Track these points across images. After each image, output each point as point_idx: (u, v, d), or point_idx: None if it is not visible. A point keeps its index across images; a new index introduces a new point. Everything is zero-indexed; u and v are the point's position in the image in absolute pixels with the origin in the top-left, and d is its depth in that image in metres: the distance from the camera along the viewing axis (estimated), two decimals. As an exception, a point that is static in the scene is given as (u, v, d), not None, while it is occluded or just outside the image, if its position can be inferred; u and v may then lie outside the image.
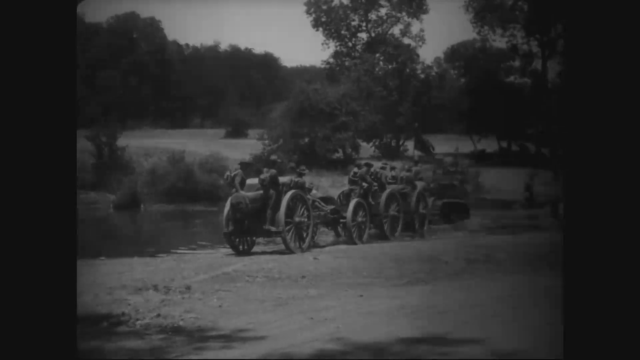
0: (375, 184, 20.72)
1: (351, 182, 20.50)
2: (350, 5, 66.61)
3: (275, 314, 9.67)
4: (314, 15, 67.20)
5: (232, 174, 17.36)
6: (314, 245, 18.05)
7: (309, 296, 10.95)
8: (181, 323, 9.18)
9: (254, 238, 17.85)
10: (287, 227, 16.59)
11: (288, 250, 16.51)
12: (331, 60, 68.35)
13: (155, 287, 11.54)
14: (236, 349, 7.87)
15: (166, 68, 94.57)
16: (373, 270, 13.38)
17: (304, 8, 67.21)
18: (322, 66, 70.68)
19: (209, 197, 33.76)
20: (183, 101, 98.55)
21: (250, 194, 16.85)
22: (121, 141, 40.06)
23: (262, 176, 16.98)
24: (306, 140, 48.38)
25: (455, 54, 64.91)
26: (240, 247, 17.32)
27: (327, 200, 19.88)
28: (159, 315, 9.61)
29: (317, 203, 18.70)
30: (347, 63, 64.94)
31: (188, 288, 11.48)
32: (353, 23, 67.82)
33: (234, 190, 17.05)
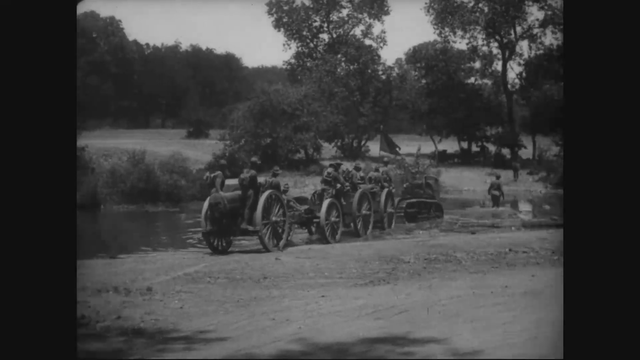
0: (347, 184, 21.22)
1: (325, 182, 20.87)
2: (311, 6, 66.66)
3: (236, 315, 9.64)
4: (275, 16, 67.16)
5: (212, 175, 17.66)
6: (290, 244, 18.34)
7: (270, 297, 10.93)
8: (142, 325, 9.11)
9: (231, 237, 18.07)
10: (264, 226, 17.02)
11: (265, 249, 16.86)
12: (293, 60, 68.41)
13: (116, 289, 11.43)
14: (198, 351, 7.83)
15: (126, 68, 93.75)
16: (335, 270, 13.40)
17: (266, 8, 67.19)
18: (284, 67, 70.74)
19: (170, 197, 33.53)
20: (144, 101, 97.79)
21: (228, 194, 17.24)
22: (81, 141, 39.60)
23: (241, 176, 17.42)
24: (268, 140, 48.37)
25: (416, 55, 65.34)
26: (218, 246, 17.55)
27: (301, 200, 20.67)
28: (119, 317, 9.52)
29: (291, 203, 19.38)
30: (308, 64, 65.05)
31: (149, 289, 11.39)
32: (315, 24, 67.92)
33: (213, 190, 17.32)
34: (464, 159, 59.22)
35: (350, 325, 8.73)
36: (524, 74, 61.57)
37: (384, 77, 62.52)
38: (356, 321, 8.99)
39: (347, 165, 23.33)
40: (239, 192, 17.31)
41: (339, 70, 60.92)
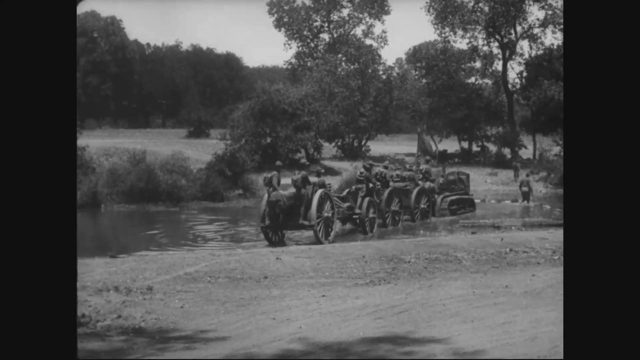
0: (378, 183, 23.76)
1: (358, 181, 23.35)
2: (312, 6, 66.71)
3: (237, 314, 9.65)
4: (276, 16, 67.25)
5: (270, 175, 19.98)
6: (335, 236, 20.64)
7: (271, 296, 10.94)
8: (142, 324, 9.12)
9: (285, 231, 20.53)
10: (318, 222, 19.46)
11: (317, 241, 19.18)
12: (293, 60, 68.49)
13: (116, 288, 11.43)
14: (198, 350, 7.84)
15: (127, 67, 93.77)
16: (335, 270, 13.40)
17: (266, 8, 67.26)
18: (284, 66, 70.80)
19: (170, 197, 33.46)
20: (144, 101, 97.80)
21: (287, 192, 19.86)
22: (81, 141, 39.53)
23: (294, 177, 20.09)
24: (268, 140, 48.38)
25: (416, 54, 65.32)
26: (274, 239, 19.96)
27: (341, 198, 22.54)
28: (119, 316, 9.53)
29: (335, 201, 21.26)
30: (309, 63, 65.07)
31: (149, 289, 11.40)
32: (315, 24, 68.00)
33: (270, 189, 19.68)
34: (465, 159, 59.17)
35: (350, 325, 8.74)
36: (524, 74, 61.51)
37: (384, 76, 62.41)
38: (357, 321, 8.99)
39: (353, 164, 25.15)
40: (294, 190, 19.79)
41: (339, 70, 60.84)
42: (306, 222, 19.44)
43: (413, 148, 44.89)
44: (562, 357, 6.30)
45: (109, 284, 11.77)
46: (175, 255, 17.38)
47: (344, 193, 23.41)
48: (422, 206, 25.99)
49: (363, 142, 61.04)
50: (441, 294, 10.72)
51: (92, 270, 13.44)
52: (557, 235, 17.07)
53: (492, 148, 60.38)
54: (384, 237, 21.25)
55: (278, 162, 21.85)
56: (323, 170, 22.35)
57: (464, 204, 29.10)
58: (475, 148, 62.46)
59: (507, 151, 59.03)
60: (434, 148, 58.86)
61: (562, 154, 42.21)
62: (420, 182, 26.51)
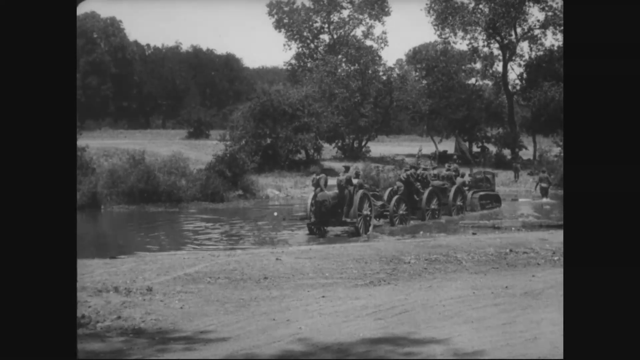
0: (418, 184, 26.01)
1: (400, 181, 25.73)
2: (312, 7, 66.70)
3: (237, 315, 9.64)
4: (276, 17, 67.26)
5: (318, 177, 22.46)
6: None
7: (271, 297, 10.93)
8: (142, 325, 9.11)
9: (326, 228, 22.46)
10: (359, 219, 21.79)
11: (357, 236, 21.46)
12: (293, 61, 68.47)
13: (116, 289, 11.43)
14: (198, 351, 7.84)
15: (127, 68, 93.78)
16: (335, 270, 13.39)
17: (267, 9, 67.27)
18: (285, 67, 70.80)
19: (169, 198, 33.40)
20: (144, 102, 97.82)
21: (331, 192, 22.06)
22: (81, 141, 39.44)
23: (339, 178, 22.38)
24: (268, 141, 48.34)
25: (417, 55, 65.30)
26: (317, 234, 21.97)
27: (376, 197, 24.56)
28: (119, 317, 9.52)
29: (372, 200, 23.30)
30: (309, 64, 65.05)
31: (149, 290, 11.39)
32: (315, 25, 67.98)
33: (318, 189, 21.95)
34: (465, 160, 59.14)
35: (350, 326, 8.73)
36: (524, 75, 61.53)
37: (384, 77, 62.31)
38: (357, 321, 8.99)
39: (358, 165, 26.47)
40: (337, 190, 21.97)
41: (339, 71, 60.76)
42: (348, 220, 21.75)
43: (413, 149, 44.90)
44: (562, 358, 6.29)
45: (108, 285, 11.76)
46: (175, 256, 17.38)
47: (386, 193, 25.67)
48: (459, 203, 28.34)
49: (363, 143, 61.02)
50: (441, 295, 10.71)
51: (92, 271, 13.44)
52: (557, 236, 17.07)
53: (493, 149, 60.38)
54: (417, 230, 23.24)
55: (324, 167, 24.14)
56: (361, 171, 24.86)
57: (491, 200, 31.18)
58: (475, 149, 62.45)
59: (507, 152, 59.01)
60: (435, 149, 58.91)
61: (562, 154, 42.20)
62: (455, 180, 28.87)
